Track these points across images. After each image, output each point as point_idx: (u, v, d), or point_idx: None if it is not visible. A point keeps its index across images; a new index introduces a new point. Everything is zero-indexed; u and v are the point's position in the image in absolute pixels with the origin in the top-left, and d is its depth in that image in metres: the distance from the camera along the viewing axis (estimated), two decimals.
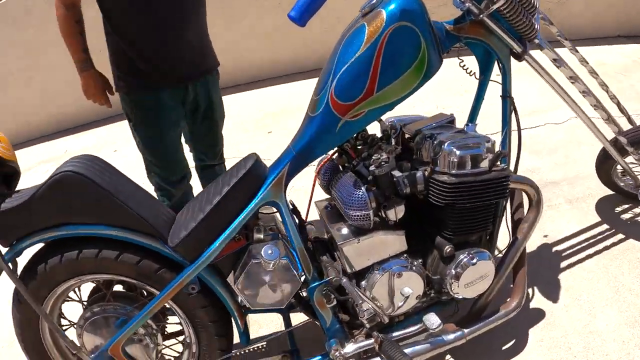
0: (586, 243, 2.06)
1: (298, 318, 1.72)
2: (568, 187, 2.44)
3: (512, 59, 1.52)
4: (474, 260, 1.46)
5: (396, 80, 1.33)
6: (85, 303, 1.64)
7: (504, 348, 1.72)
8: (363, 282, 1.51)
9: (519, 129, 1.56)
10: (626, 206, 2.24)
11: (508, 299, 1.65)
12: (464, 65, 1.56)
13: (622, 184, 2.18)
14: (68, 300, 1.64)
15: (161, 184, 2.11)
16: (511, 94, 1.54)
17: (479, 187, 1.38)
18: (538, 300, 1.85)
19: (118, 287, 1.70)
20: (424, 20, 1.30)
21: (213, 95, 2.04)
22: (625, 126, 1.92)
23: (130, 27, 1.78)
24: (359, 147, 1.58)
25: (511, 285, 1.68)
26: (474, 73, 1.58)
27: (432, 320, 1.49)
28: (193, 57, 1.90)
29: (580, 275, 1.91)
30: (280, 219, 1.55)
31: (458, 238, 1.47)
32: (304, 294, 1.54)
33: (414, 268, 1.50)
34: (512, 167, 1.63)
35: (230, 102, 3.89)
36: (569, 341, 1.69)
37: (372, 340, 1.52)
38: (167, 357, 1.76)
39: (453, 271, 1.47)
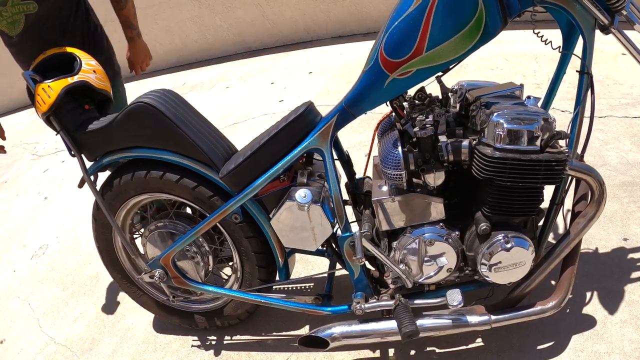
0: None
1: None
2: None
3: (597, 32, 1.37)
4: (509, 245, 1.38)
5: (448, 41, 1.28)
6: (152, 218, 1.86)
7: (538, 347, 1.60)
8: (395, 243, 1.51)
9: (592, 111, 1.40)
10: None
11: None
12: (541, 35, 1.44)
13: None
14: (139, 214, 1.88)
15: None
16: (590, 70, 1.40)
17: (525, 166, 1.29)
18: (593, 307, 1.68)
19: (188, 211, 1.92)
20: None
21: None
22: None
23: None
24: (417, 106, 1.55)
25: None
26: (559, 46, 1.46)
27: (455, 297, 1.45)
28: None
29: None
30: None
31: (497, 217, 1.40)
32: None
33: (448, 239, 1.47)
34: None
35: None
36: None
37: (392, 302, 1.53)
38: (215, 278, 1.94)
39: (485, 251, 1.41)
